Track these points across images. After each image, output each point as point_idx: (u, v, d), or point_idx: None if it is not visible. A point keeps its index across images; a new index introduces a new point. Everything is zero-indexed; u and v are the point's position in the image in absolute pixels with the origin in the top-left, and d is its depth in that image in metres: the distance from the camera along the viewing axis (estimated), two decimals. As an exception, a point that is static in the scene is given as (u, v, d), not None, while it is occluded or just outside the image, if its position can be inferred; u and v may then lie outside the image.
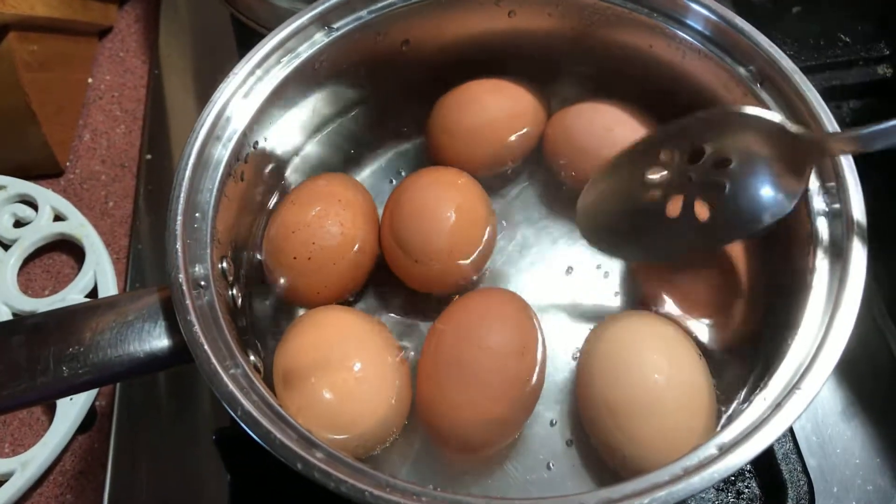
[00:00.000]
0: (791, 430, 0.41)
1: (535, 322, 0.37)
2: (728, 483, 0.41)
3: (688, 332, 0.37)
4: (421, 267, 0.39)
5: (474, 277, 0.41)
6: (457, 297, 0.38)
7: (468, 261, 0.40)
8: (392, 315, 0.41)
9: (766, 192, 0.34)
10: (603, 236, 0.40)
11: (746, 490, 0.40)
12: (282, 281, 0.39)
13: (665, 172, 0.37)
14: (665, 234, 0.37)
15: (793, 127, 0.33)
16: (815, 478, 0.40)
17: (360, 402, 0.34)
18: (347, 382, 0.34)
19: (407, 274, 0.41)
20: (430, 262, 0.39)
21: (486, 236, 0.40)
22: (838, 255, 0.31)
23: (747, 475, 0.41)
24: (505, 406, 0.34)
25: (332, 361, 0.35)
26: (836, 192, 0.33)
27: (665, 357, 0.34)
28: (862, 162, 0.33)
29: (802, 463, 0.40)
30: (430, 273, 0.39)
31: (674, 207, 0.37)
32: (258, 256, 0.41)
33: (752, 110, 0.34)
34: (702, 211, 0.36)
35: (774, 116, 0.34)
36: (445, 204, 0.40)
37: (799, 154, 0.33)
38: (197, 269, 0.32)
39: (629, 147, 0.37)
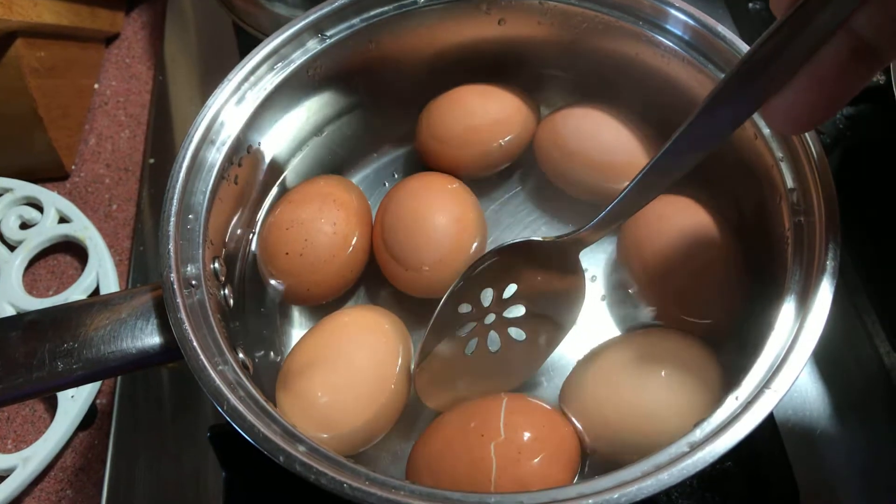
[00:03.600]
0: (778, 432, 0.42)
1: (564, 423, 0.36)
2: (714, 485, 0.41)
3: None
4: (411, 273, 0.40)
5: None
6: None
7: (459, 266, 0.40)
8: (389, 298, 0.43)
9: (559, 299, 0.38)
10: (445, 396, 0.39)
11: (732, 492, 0.41)
12: (274, 277, 0.40)
13: (472, 324, 0.38)
14: (496, 369, 0.39)
15: (547, 238, 0.37)
16: (800, 481, 0.40)
17: (347, 402, 0.35)
18: (336, 383, 0.35)
19: (397, 279, 0.41)
20: (420, 269, 0.40)
21: (476, 242, 0.41)
22: (811, 260, 0.32)
23: (733, 477, 0.41)
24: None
25: (323, 363, 0.36)
26: (807, 203, 0.33)
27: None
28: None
29: (788, 465, 0.40)
30: (420, 279, 0.40)
31: (492, 345, 0.39)
32: (253, 257, 0.42)
33: (511, 244, 0.37)
34: (517, 338, 0.39)
35: (531, 238, 0.37)
36: (435, 211, 0.41)
37: (564, 254, 0.37)
38: (189, 268, 0.33)
39: (436, 318, 0.37)
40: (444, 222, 0.40)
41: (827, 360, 0.45)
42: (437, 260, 0.40)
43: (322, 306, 0.42)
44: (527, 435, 0.34)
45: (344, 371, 0.36)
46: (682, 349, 0.36)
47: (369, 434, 0.36)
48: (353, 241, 0.40)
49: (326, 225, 0.40)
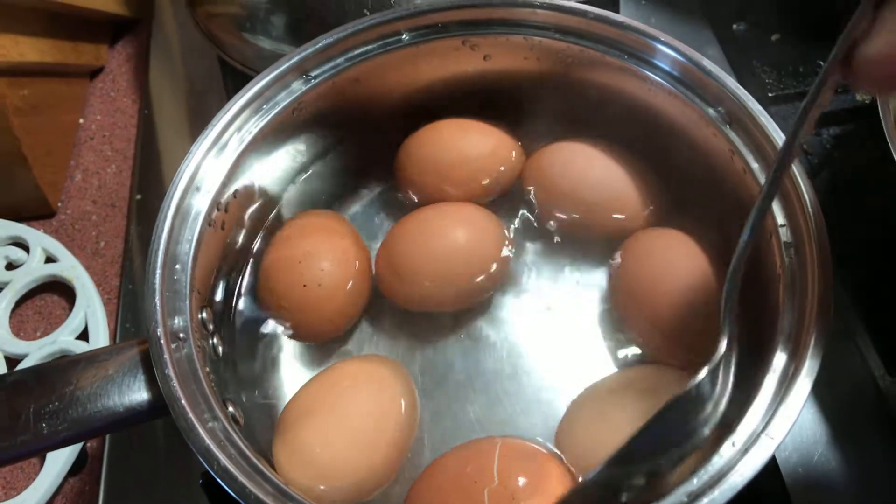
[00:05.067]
0: (774, 457, 0.41)
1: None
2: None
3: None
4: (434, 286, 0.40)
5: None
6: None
7: (481, 278, 0.41)
8: (385, 342, 0.42)
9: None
10: None
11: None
12: (282, 320, 0.40)
13: None
14: None
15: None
16: (797, 507, 0.40)
17: (346, 455, 0.34)
18: (335, 436, 0.35)
19: (397, 293, 0.41)
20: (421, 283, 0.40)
21: (500, 256, 0.41)
22: (804, 300, 0.31)
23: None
24: None
25: (322, 415, 0.36)
26: (798, 240, 0.33)
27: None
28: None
29: (785, 490, 0.40)
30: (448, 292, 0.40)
31: None
32: (242, 300, 0.41)
33: None
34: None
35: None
36: (455, 225, 0.42)
37: None
38: (176, 321, 0.33)
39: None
40: (465, 237, 0.41)
41: (822, 384, 0.45)
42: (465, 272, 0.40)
43: (315, 353, 0.41)
44: (521, 480, 0.33)
45: (344, 423, 0.35)
46: (676, 387, 0.35)
47: (370, 486, 0.35)
48: (356, 273, 0.40)
49: (326, 261, 0.39)
